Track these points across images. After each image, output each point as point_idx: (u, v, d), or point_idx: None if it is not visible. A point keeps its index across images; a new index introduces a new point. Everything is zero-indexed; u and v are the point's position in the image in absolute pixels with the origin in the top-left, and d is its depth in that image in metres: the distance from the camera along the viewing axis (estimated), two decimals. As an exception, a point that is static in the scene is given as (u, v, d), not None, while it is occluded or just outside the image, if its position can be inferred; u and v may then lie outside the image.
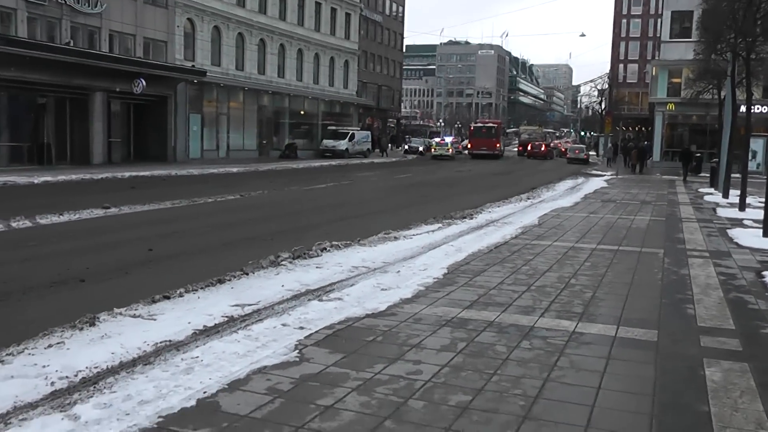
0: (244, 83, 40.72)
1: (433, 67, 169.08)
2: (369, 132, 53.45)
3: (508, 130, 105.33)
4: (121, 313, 6.37)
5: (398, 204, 18.64)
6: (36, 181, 21.00)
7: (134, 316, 6.33)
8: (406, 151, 61.14)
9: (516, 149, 75.52)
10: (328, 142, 46.89)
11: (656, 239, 12.17)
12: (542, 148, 61.81)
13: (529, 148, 62.05)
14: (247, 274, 8.29)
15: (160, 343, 5.57)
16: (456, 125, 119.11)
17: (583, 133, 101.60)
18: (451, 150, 57.97)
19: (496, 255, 9.86)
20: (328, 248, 10.15)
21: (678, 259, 9.98)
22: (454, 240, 11.32)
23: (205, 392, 4.47)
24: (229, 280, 7.91)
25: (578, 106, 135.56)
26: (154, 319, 6.25)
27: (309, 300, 7.04)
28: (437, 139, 67.93)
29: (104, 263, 9.12)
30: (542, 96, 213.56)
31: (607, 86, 78.60)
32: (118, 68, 29.29)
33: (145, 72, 30.63)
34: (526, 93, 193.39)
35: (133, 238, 11.40)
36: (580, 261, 9.59)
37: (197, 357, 5.13)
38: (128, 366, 5.03)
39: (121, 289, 7.73)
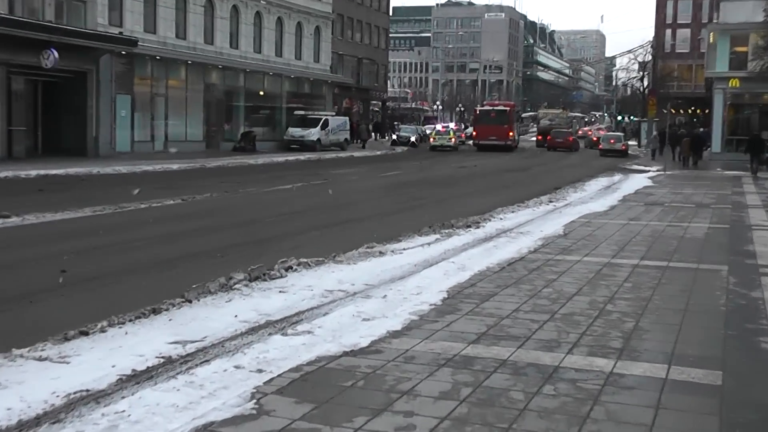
0: (186, 55, 40.69)
1: (428, 35, 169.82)
2: (347, 118, 53.56)
3: (523, 115, 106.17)
4: (22, 356, 6.26)
5: (385, 209, 18.62)
6: None
7: (40, 359, 6.22)
8: (394, 142, 61.46)
9: (534, 138, 75.98)
10: (295, 131, 46.96)
11: (718, 253, 12.20)
12: (567, 137, 62.25)
13: (550, 137, 62.46)
14: (190, 301, 8.24)
15: (75, 393, 5.47)
16: (457, 109, 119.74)
17: (620, 118, 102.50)
18: (453, 140, 58.45)
19: (509, 274, 9.85)
20: (294, 267, 10.12)
21: (747, 279, 9.99)
22: (455, 255, 11.31)
23: (132, 458, 4.38)
24: (167, 310, 7.86)
25: (613, 83, 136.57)
26: (67, 362, 6.15)
27: (270, 334, 7.00)
28: (438, 127, 68.17)
29: (1, 290, 8.99)
30: (567, 71, 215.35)
31: (650, 58, 79.26)
32: (21, 35, 29.04)
33: (57, 40, 30.42)
34: (546, 67, 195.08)
35: (40, 256, 11.28)
36: (619, 281, 9.59)
37: (123, 411, 5.05)
38: (30, 425, 4.92)
39: (24, 323, 7.61)
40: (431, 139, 59.30)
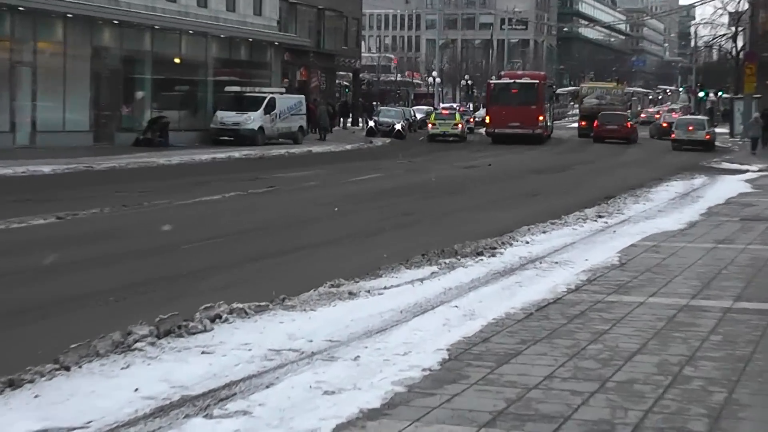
0: (65, 6, 40.55)
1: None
2: (302, 97, 53.52)
3: (559, 91, 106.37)
4: None
5: (357, 230, 18.61)
6: None
7: None
8: (370, 131, 61.51)
9: (575, 125, 76.20)
10: (227, 116, 46.97)
11: None
12: (624, 123, 62.58)
13: (598, 122, 62.73)
14: (68, 368, 8.15)
15: None
16: (463, 82, 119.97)
17: (702, 95, 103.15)
18: (460, 126, 58.82)
19: (539, 324, 9.83)
20: (224, 316, 10.08)
21: None
22: (460, 296, 11.30)
23: None
24: (32, 382, 7.76)
25: (692, 43, 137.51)
26: None
27: (187, 416, 6.96)
28: (441, 107, 68.48)
29: None
30: (621, 26, 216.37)
31: (746, 6, 79.77)
32: None
33: None
34: (591, 22, 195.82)
35: None
36: (702, 333, 9.58)
37: None
38: None
39: None
40: (429, 126, 59.88)
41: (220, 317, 10.00)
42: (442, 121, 59.39)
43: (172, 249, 15.80)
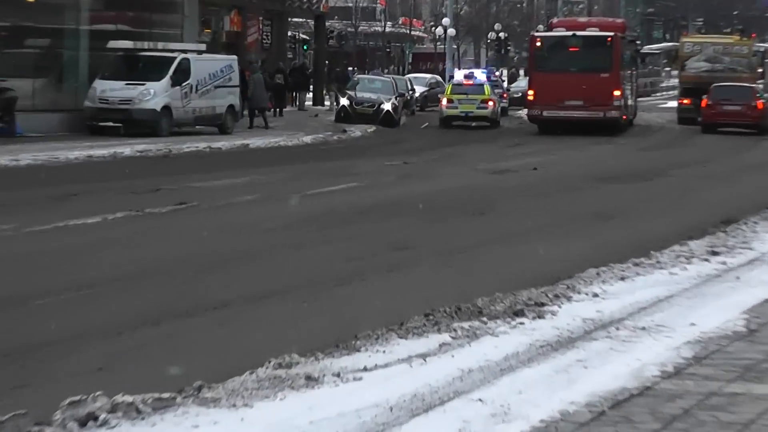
0: None
1: None
2: (234, 59, 53.64)
3: (644, 49, 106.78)
4: None
5: (320, 273, 18.68)
6: None
7: None
8: (342, 114, 61.79)
9: (672, 104, 76.60)
10: (112, 90, 47.37)
11: None
12: (751, 101, 62.78)
13: (709, 99, 62.97)
14: None
15: None
16: (492, 35, 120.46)
17: None
18: (491, 104, 59.22)
19: (615, 430, 9.75)
20: (102, 415, 9.99)
21: None
22: (488, 384, 11.23)
23: None
24: None
25: None
26: None
27: None
28: (460, 75, 68.88)
29: None
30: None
31: None
32: None
33: None
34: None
35: None
36: None
37: None
38: None
39: None
40: (443, 103, 60.48)
41: (96, 418, 9.89)
42: (464, 97, 59.85)
43: (19, 304, 15.71)
